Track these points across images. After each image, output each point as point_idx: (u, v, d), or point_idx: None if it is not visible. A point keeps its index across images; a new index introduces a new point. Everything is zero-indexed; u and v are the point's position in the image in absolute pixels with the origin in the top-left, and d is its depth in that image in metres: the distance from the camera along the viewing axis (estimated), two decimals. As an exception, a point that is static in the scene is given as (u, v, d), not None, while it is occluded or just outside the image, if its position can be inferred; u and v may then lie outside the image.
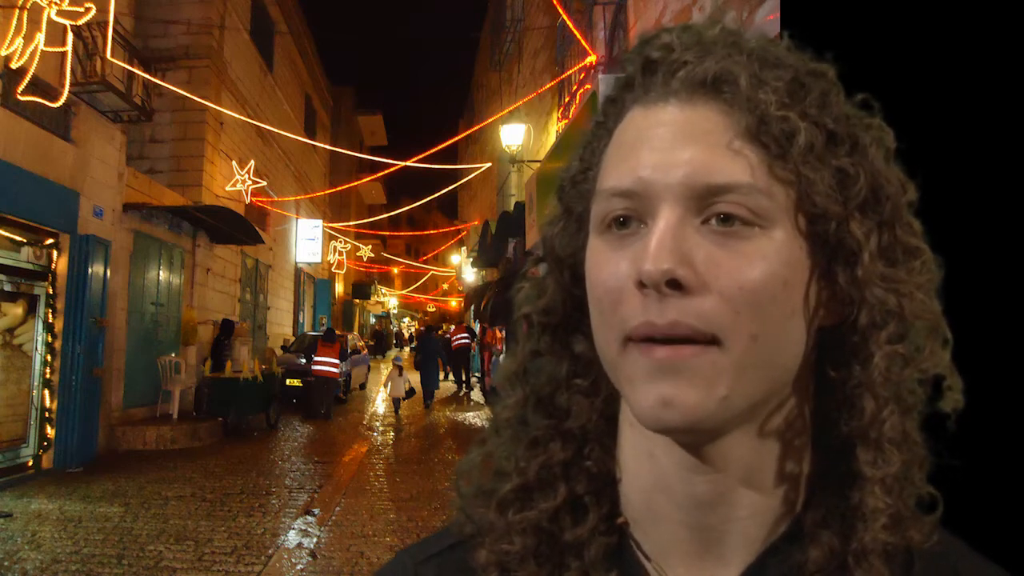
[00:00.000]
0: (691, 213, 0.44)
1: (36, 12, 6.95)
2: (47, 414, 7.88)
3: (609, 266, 0.46)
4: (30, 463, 7.69)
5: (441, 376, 16.74)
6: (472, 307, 18.47)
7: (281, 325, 18.56)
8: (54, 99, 7.41)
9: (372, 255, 28.67)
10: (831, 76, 0.48)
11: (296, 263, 20.11)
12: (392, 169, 13.80)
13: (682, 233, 0.43)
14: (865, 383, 0.45)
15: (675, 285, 0.42)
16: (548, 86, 10.85)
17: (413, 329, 46.96)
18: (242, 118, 13.18)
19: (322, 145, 21.18)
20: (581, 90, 9.00)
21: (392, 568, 0.56)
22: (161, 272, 10.83)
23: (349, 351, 15.71)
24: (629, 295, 0.44)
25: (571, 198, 0.54)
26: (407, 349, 34.71)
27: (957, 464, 0.46)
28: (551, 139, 11.05)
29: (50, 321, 8.00)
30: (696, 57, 0.46)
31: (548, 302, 0.54)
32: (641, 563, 0.50)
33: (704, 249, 0.43)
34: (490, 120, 15.34)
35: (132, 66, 8.96)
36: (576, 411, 0.53)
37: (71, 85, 7.66)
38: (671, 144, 0.44)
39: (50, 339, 7.97)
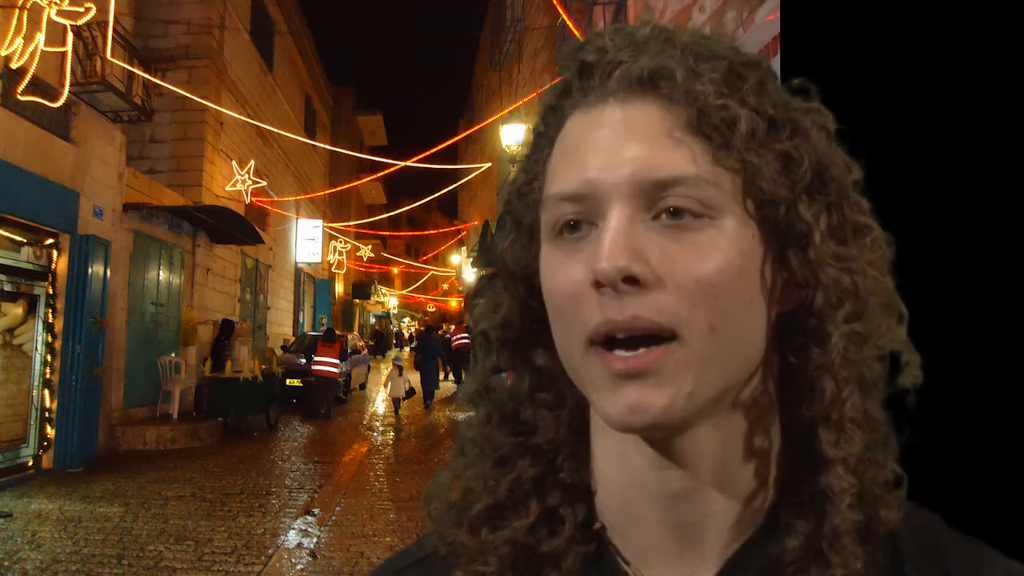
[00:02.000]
0: (641, 210, 0.44)
1: (36, 12, 6.96)
2: (47, 414, 7.88)
3: (564, 272, 0.46)
4: (30, 463, 7.69)
5: (441, 376, 16.74)
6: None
7: (281, 325, 18.56)
8: (54, 99, 7.41)
9: (372, 255, 28.68)
10: (766, 65, 0.48)
11: (296, 263, 20.11)
12: (392, 169, 13.81)
13: (634, 230, 0.43)
14: (824, 365, 0.45)
15: (631, 281, 0.42)
16: (548, 86, 10.85)
17: (413, 329, 46.95)
18: (242, 118, 13.18)
19: (322, 145, 21.19)
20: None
21: (375, 575, 0.57)
22: (161, 272, 10.83)
23: (349, 351, 15.71)
24: (587, 298, 0.44)
25: (519, 210, 0.53)
26: (407, 349, 34.70)
27: (919, 440, 0.47)
28: (551, 139, 11.02)
29: (50, 321, 8.00)
30: (630, 56, 0.46)
31: (505, 317, 0.53)
32: (620, 568, 0.50)
33: (657, 244, 0.43)
34: (490, 120, 15.35)
35: (132, 66, 8.96)
36: (542, 426, 0.53)
37: (71, 85, 7.67)
38: (614, 143, 0.45)
39: (50, 339, 7.98)
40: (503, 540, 0.50)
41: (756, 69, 0.47)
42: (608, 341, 0.43)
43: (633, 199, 0.43)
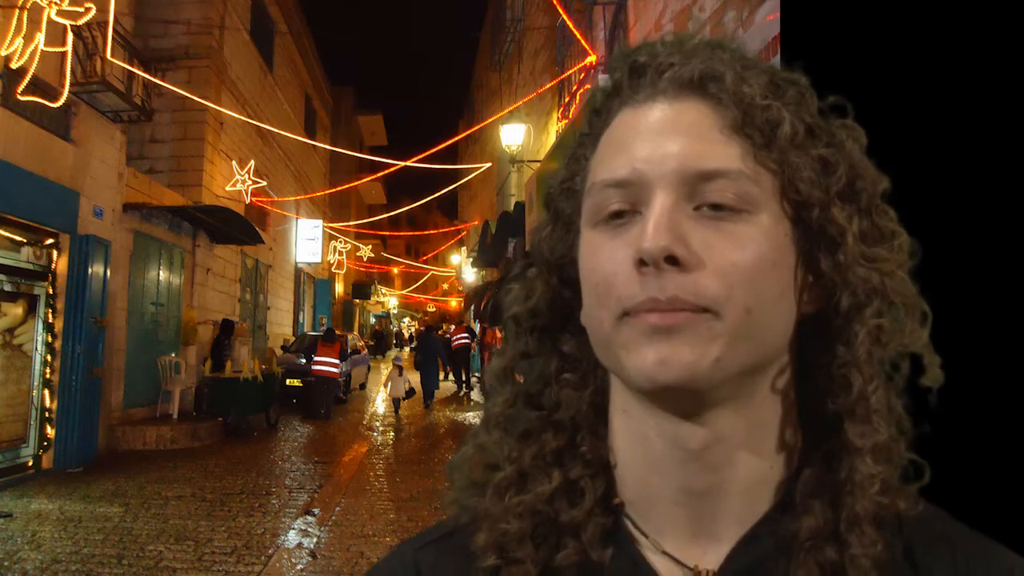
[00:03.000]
0: (683, 199, 0.46)
1: (36, 12, 6.95)
2: (47, 414, 7.88)
3: (606, 252, 0.48)
4: (30, 463, 7.69)
5: (441, 376, 16.74)
6: (472, 307, 18.48)
7: (281, 325, 18.56)
8: (54, 99, 7.40)
9: (372, 255, 28.67)
10: (804, 83, 0.50)
11: (296, 263, 20.11)
12: (392, 169, 13.80)
13: (677, 216, 0.45)
14: (851, 361, 0.47)
15: (673, 261, 0.44)
16: (548, 86, 10.85)
17: (413, 329, 46.95)
18: (242, 118, 13.17)
19: (322, 145, 21.18)
20: (581, 90, 9.00)
21: (393, 555, 0.58)
22: (161, 272, 10.83)
23: (349, 351, 15.71)
24: (627, 277, 0.46)
25: (559, 202, 0.56)
26: (407, 349, 34.70)
27: (932, 433, 0.49)
28: (551, 139, 11.05)
29: (50, 321, 8.00)
30: (681, 59, 0.49)
31: (536, 303, 0.56)
32: (637, 540, 0.51)
33: (697, 231, 0.45)
34: (490, 120, 15.34)
35: (132, 66, 8.96)
36: (566, 403, 0.55)
37: (71, 85, 7.66)
38: (662, 136, 0.47)
39: (50, 339, 7.97)
40: (526, 505, 0.52)
41: (795, 85, 0.50)
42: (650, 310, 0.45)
43: (677, 188, 0.46)
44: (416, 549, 0.57)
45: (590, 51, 8.55)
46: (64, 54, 7.43)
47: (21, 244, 7.67)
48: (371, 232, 26.12)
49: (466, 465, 0.57)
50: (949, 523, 0.50)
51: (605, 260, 0.47)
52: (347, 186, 22.27)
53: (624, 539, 0.51)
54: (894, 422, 0.47)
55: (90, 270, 8.36)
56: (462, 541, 0.54)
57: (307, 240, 19.85)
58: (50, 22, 7.02)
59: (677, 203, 0.45)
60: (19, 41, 6.80)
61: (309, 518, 6.20)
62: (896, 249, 0.49)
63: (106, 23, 7.96)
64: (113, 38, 8.13)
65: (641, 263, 0.45)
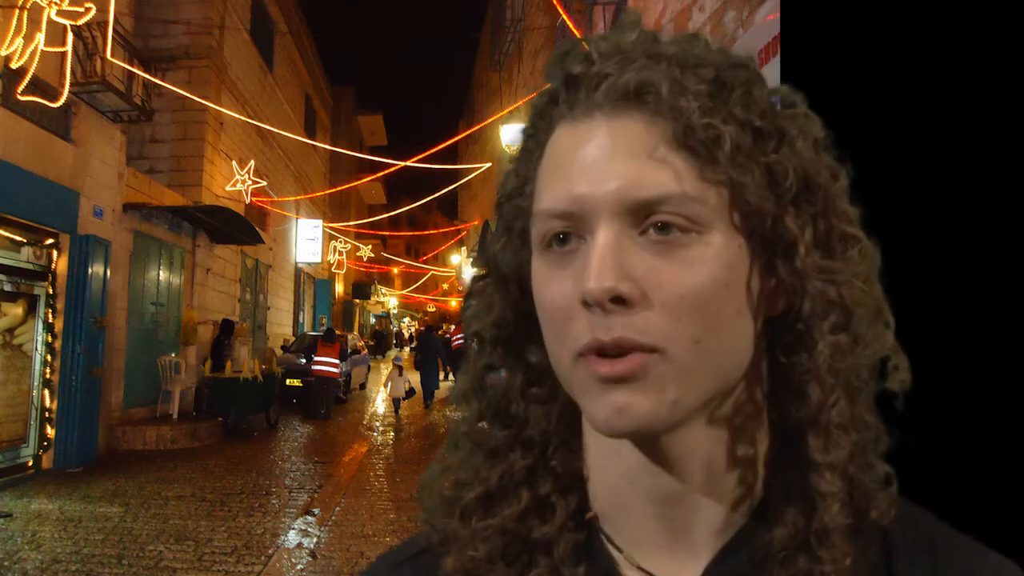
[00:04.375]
0: (628, 226, 0.44)
1: (36, 12, 6.95)
2: (47, 414, 7.88)
3: (553, 286, 0.46)
4: (30, 463, 7.69)
5: (441, 376, 16.73)
6: (472, 307, 18.38)
7: (281, 325, 18.55)
8: (54, 99, 7.40)
9: (372, 255, 28.67)
10: (753, 68, 0.48)
11: (296, 263, 20.11)
12: (392, 169, 13.80)
13: (621, 248, 0.44)
14: (811, 371, 0.46)
15: (619, 300, 0.43)
16: (548, 86, 10.83)
17: (413, 329, 46.94)
18: (242, 118, 13.17)
19: (322, 145, 21.18)
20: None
21: (367, 573, 0.58)
22: (161, 272, 10.83)
23: (349, 351, 15.70)
24: (577, 313, 0.44)
25: (510, 215, 0.54)
26: (407, 349, 34.69)
27: (909, 440, 0.48)
28: (551, 139, 11.02)
29: (50, 321, 8.00)
30: (616, 68, 0.46)
31: (498, 317, 0.54)
32: (612, 556, 0.50)
33: (643, 261, 0.44)
34: (490, 120, 15.34)
35: (132, 66, 8.96)
36: (534, 420, 0.54)
37: (71, 85, 7.66)
38: (600, 160, 0.45)
39: (50, 339, 7.97)
40: (494, 528, 0.51)
41: (743, 72, 0.47)
42: (597, 350, 0.44)
43: (620, 216, 0.44)
44: (391, 566, 0.57)
45: (590, 51, 8.53)
46: (64, 54, 7.43)
47: (21, 244, 7.67)
48: (371, 232, 26.11)
49: (435, 485, 0.56)
50: (932, 524, 0.49)
51: (554, 295, 0.46)
52: (347, 186, 22.27)
53: (598, 555, 0.51)
54: (860, 432, 0.46)
55: (90, 270, 8.36)
56: (434, 560, 0.54)
57: (307, 240, 19.85)
58: (50, 22, 7.02)
59: (620, 232, 0.44)
60: (19, 41, 6.80)
61: (309, 518, 6.20)
62: (855, 257, 0.47)
63: (106, 23, 7.96)
64: (113, 38, 8.13)
65: (587, 303, 0.43)
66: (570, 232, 0.46)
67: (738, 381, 0.47)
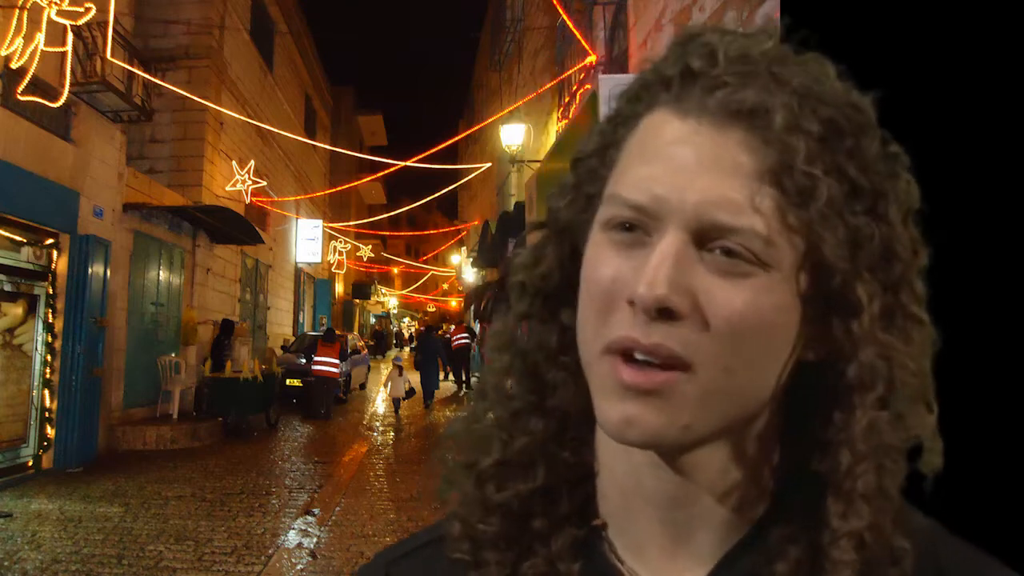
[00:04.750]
0: (695, 240, 0.43)
1: (36, 12, 6.95)
2: (47, 414, 7.88)
3: (607, 269, 0.46)
4: (30, 463, 7.69)
5: (441, 376, 16.73)
6: (472, 307, 18.47)
7: (281, 325, 18.55)
8: (54, 99, 7.40)
9: (372, 255, 28.67)
10: (869, 113, 0.46)
11: (296, 263, 20.11)
12: (392, 169, 13.81)
13: (683, 259, 0.43)
14: (843, 439, 0.45)
15: (666, 312, 0.42)
16: (548, 86, 10.85)
17: (413, 329, 46.93)
18: (242, 118, 13.17)
19: (322, 145, 21.18)
20: (581, 90, 8.99)
21: (366, 568, 0.59)
22: (161, 272, 10.83)
23: (349, 351, 15.70)
24: (620, 305, 0.44)
25: (584, 176, 0.52)
26: (407, 349, 34.68)
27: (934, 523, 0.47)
28: (551, 139, 11.04)
29: (50, 321, 8.00)
30: (738, 80, 0.44)
31: (545, 270, 0.54)
32: (612, 560, 0.51)
33: (701, 279, 0.43)
34: (490, 120, 15.34)
35: (132, 66, 8.95)
36: (560, 389, 0.53)
37: (71, 85, 7.66)
38: (690, 167, 0.44)
39: (50, 339, 7.97)
40: (503, 505, 0.51)
41: (859, 116, 0.45)
42: (625, 353, 0.44)
43: (690, 229, 0.43)
44: (388, 562, 0.57)
45: (590, 51, 8.55)
46: (64, 54, 7.43)
47: (21, 244, 7.67)
48: (371, 232, 26.11)
49: (461, 436, 0.56)
50: (941, 537, 0.48)
51: (604, 278, 0.46)
52: (347, 186, 22.26)
53: (598, 558, 0.51)
54: (882, 504, 0.44)
55: (90, 270, 8.36)
56: (433, 554, 0.54)
57: (307, 240, 19.85)
58: (50, 22, 7.02)
59: (686, 244, 0.43)
60: (19, 41, 6.79)
61: (309, 518, 6.20)
62: (915, 339, 0.45)
63: (106, 23, 7.96)
64: (113, 38, 8.13)
65: (632, 303, 0.43)
66: (637, 225, 0.45)
67: (756, 412, 0.47)
